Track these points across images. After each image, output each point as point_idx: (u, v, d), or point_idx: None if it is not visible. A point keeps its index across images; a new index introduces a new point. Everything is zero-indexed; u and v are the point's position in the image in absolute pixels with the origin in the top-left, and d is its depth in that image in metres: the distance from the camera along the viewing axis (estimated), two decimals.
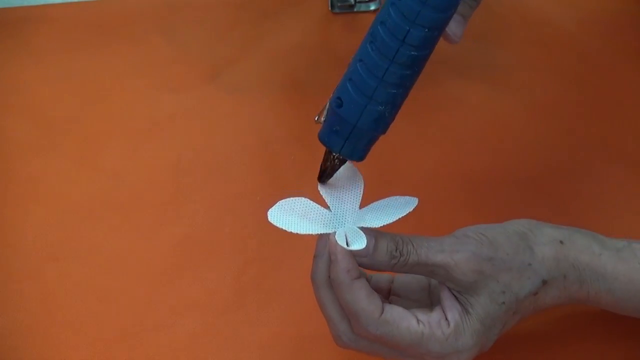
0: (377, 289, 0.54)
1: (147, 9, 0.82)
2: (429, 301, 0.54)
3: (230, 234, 0.66)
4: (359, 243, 0.49)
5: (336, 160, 0.51)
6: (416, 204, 0.51)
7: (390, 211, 0.51)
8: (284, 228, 0.50)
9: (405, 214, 0.51)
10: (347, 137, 0.50)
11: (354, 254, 0.49)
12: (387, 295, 0.55)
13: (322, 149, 0.71)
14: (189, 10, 0.82)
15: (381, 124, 0.50)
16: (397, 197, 0.52)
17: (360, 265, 0.50)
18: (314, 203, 0.52)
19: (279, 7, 0.82)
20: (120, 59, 0.79)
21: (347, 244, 0.49)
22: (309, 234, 0.50)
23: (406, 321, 0.49)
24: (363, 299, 0.49)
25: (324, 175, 0.52)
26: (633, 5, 0.84)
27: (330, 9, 0.81)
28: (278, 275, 0.63)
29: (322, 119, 0.51)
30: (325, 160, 0.52)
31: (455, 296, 0.50)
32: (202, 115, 0.74)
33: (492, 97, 0.75)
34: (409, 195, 0.52)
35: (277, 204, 0.51)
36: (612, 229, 0.57)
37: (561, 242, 0.52)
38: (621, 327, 0.58)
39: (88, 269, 0.65)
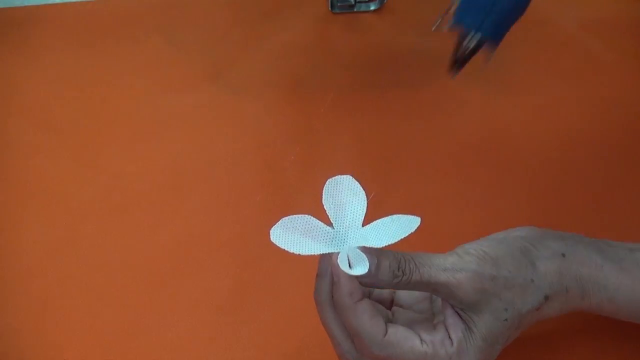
0: (379, 300, 0.54)
1: (147, 9, 0.82)
2: (431, 311, 0.55)
3: (230, 234, 0.66)
4: (362, 267, 0.49)
5: (474, 41, 0.47)
6: (419, 223, 0.51)
7: (393, 230, 0.51)
8: (286, 249, 0.49)
9: (407, 234, 0.50)
10: (487, 13, 0.47)
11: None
12: (390, 305, 0.55)
13: (323, 149, 0.72)
14: (189, 10, 0.82)
15: (522, 3, 0.46)
16: (400, 215, 0.52)
17: (362, 283, 0.50)
18: (317, 220, 0.52)
19: (279, 7, 0.82)
20: (120, 59, 0.79)
21: (349, 265, 0.49)
22: (312, 255, 0.50)
23: (410, 341, 0.49)
24: (366, 322, 0.49)
25: (460, 62, 0.49)
26: (633, 5, 0.84)
27: (330, 9, 0.81)
28: (278, 275, 0.64)
29: (444, 25, 0.48)
30: (458, 45, 0.48)
31: (458, 314, 0.51)
32: (202, 115, 0.74)
33: (493, 96, 0.75)
34: (412, 213, 0.52)
35: (280, 222, 0.51)
36: (612, 229, 0.58)
37: (563, 255, 0.53)
38: (620, 327, 0.58)
39: (88, 269, 0.65)
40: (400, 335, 0.50)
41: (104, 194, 0.69)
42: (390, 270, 0.50)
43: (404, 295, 0.55)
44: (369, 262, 0.49)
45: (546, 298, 0.51)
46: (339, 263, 0.49)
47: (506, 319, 0.50)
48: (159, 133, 0.73)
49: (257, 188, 0.69)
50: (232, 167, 0.70)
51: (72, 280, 0.64)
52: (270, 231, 0.50)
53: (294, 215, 0.51)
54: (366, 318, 0.49)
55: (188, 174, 0.70)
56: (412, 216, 0.51)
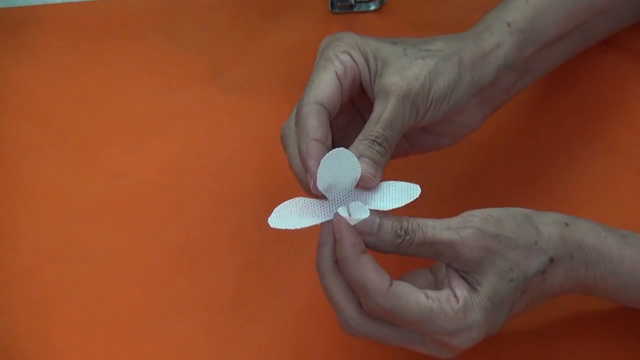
0: None
1: (147, 9, 0.82)
2: None
3: (230, 234, 0.66)
4: (362, 214, 0.49)
5: None
6: (419, 191, 0.51)
7: (393, 195, 0.51)
8: (287, 228, 0.50)
9: (411, 200, 0.51)
10: None
11: (359, 232, 0.49)
12: None
13: None
14: (189, 10, 0.82)
15: None
16: (396, 182, 0.52)
17: (365, 245, 0.50)
18: (310, 198, 0.52)
19: (279, 7, 0.82)
20: (120, 59, 0.79)
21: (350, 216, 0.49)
22: (313, 225, 0.50)
23: (415, 295, 0.49)
24: (371, 272, 0.49)
25: None
26: None
27: (330, 9, 0.81)
28: (278, 275, 0.64)
29: None
30: None
31: (462, 277, 0.51)
32: (202, 115, 0.74)
33: None
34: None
35: (275, 210, 0.51)
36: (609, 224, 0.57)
37: (566, 224, 0.52)
38: (619, 327, 0.58)
39: (88, 269, 0.65)
40: (406, 289, 0.49)
41: (104, 194, 0.69)
42: (393, 230, 0.50)
43: (408, 281, 0.55)
44: (370, 220, 0.49)
45: (551, 261, 0.51)
46: (339, 212, 0.49)
47: (512, 280, 0.50)
48: (159, 133, 0.73)
49: (257, 188, 0.69)
50: (232, 167, 0.70)
51: (72, 280, 0.64)
52: (268, 220, 0.50)
53: (286, 201, 0.51)
54: (370, 268, 0.49)
55: (187, 173, 0.70)
56: (410, 183, 0.52)
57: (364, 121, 0.55)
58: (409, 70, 0.54)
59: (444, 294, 0.50)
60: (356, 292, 0.50)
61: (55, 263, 0.65)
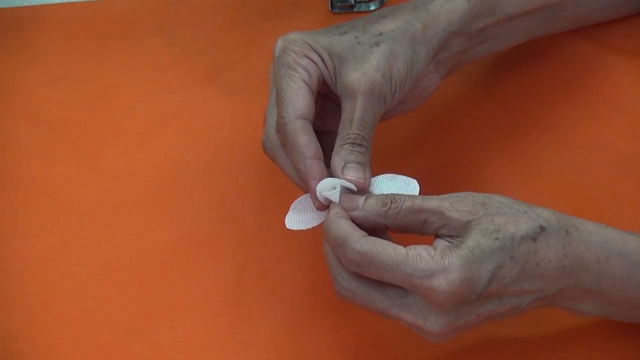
0: None
1: (147, 9, 0.82)
2: None
3: (230, 234, 0.66)
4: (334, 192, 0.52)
5: None
6: (418, 187, 0.53)
7: (394, 187, 0.53)
8: (302, 228, 0.53)
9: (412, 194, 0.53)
10: None
11: (346, 210, 0.52)
12: None
13: None
14: (189, 11, 0.82)
15: None
16: (395, 175, 0.54)
17: (354, 220, 0.51)
18: None
19: (279, 7, 0.82)
20: (120, 59, 0.79)
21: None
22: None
23: (392, 244, 0.50)
24: (347, 225, 0.50)
25: None
26: None
27: (330, 8, 0.81)
28: (278, 275, 0.64)
29: None
30: None
31: (447, 241, 0.51)
32: (202, 115, 0.74)
33: (485, 94, 0.74)
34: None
35: (291, 208, 0.54)
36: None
37: (564, 214, 0.52)
38: (619, 327, 0.58)
39: (88, 268, 0.65)
40: (383, 240, 0.50)
41: (103, 194, 0.69)
42: (379, 201, 0.51)
43: None
44: (355, 198, 0.52)
45: (542, 229, 0.50)
46: (321, 194, 0.52)
47: (497, 238, 0.49)
48: (159, 133, 0.73)
49: (257, 188, 0.69)
50: (232, 167, 0.70)
51: (72, 280, 0.64)
52: (285, 220, 0.54)
53: (299, 197, 0.54)
54: (347, 224, 0.51)
55: (187, 174, 0.70)
56: (408, 178, 0.54)
57: (334, 102, 0.57)
58: (367, 62, 0.56)
59: (423, 245, 0.50)
60: (336, 252, 0.51)
61: (55, 263, 0.65)
